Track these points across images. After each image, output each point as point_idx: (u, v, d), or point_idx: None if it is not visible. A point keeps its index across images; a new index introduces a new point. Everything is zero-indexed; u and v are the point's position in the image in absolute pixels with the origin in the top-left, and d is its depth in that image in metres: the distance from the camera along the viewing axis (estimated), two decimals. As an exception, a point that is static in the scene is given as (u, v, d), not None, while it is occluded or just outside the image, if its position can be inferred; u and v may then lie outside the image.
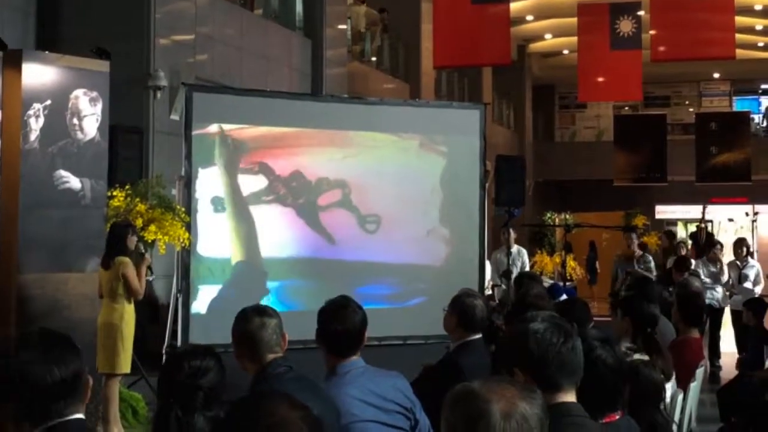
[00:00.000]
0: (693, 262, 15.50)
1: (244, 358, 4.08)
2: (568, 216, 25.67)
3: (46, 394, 2.81)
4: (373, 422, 4.29)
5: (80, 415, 2.89)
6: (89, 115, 8.89)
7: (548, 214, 26.85)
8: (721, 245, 14.90)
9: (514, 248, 14.39)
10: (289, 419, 1.99)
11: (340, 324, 4.32)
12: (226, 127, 10.73)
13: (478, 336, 5.68)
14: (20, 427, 2.85)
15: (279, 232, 10.91)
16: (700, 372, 6.73)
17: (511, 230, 13.94)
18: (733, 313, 13.65)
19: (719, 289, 13.63)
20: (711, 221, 28.25)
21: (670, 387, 5.78)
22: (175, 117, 11.01)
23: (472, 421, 2.18)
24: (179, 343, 9.96)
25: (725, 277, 13.72)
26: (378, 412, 4.32)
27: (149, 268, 9.20)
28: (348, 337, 4.34)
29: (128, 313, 8.77)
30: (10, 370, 2.82)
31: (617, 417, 3.33)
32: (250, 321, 4.08)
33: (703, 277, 13.66)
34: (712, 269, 13.82)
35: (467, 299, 5.65)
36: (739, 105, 33.38)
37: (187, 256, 10.17)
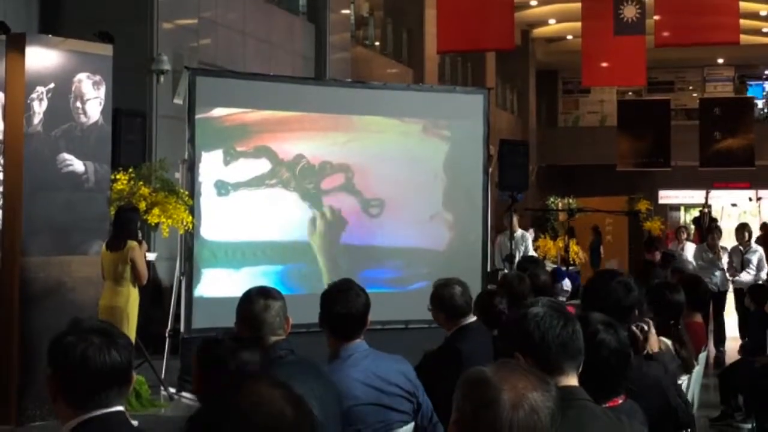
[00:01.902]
0: (692, 246, 15.56)
1: None
2: (571, 200, 25.64)
3: (102, 379, 2.80)
4: (376, 405, 4.30)
5: (121, 408, 2.89)
6: (92, 99, 8.90)
7: (551, 199, 26.83)
8: (720, 231, 14.94)
9: (518, 232, 14.41)
10: (270, 397, 1.99)
11: (343, 307, 4.33)
12: (230, 111, 10.72)
13: (473, 319, 5.70)
14: (63, 409, 2.86)
15: (282, 216, 10.92)
16: (702, 356, 6.74)
17: (514, 215, 13.96)
18: (736, 293, 13.67)
19: (717, 273, 13.66)
20: (710, 206, 28.31)
21: (688, 377, 5.76)
22: (178, 101, 11.01)
23: (481, 407, 2.17)
24: (182, 326, 9.98)
25: (723, 263, 13.76)
26: (381, 395, 4.33)
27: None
28: (351, 320, 4.35)
29: (133, 296, 8.82)
30: (75, 349, 2.81)
31: (620, 401, 3.34)
32: (254, 302, 4.09)
33: (692, 259, 13.73)
34: (710, 255, 13.86)
35: (442, 291, 5.67)
36: (750, 91, 33.27)
37: (190, 239, 10.18)
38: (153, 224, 9.70)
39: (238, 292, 4.31)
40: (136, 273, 8.77)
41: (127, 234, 8.78)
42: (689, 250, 15.25)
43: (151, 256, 10.45)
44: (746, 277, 13.30)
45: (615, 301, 4.36)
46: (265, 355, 4.02)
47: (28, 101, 8.44)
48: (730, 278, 13.67)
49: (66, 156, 8.71)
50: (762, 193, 29.70)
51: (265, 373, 3.35)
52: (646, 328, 4.51)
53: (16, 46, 8.51)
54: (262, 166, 10.77)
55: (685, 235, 16.31)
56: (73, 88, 8.77)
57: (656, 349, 4.51)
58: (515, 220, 14.10)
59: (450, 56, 25.38)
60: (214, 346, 3.58)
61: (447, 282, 5.77)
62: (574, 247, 17.03)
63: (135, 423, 3.11)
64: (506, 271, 12.83)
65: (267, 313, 4.05)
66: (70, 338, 2.84)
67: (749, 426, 8.72)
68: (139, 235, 9.13)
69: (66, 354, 2.82)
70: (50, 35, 9.43)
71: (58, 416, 2.90)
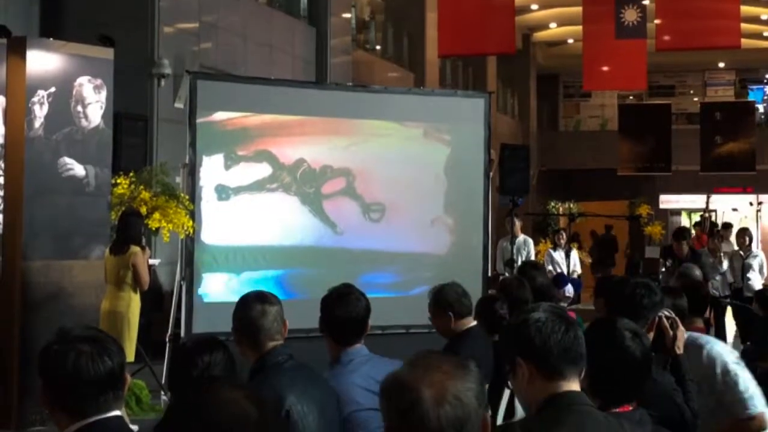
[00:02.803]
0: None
1: (244, 346, 4.06)
2: (572, 205, 25.65)
3: (97, 386, 2.79)
4: (377, 410, 4.28)
5: (119, 412, 2.88)
6: (93, 103, 8.90)
7: (552, 203, 26.84)
8: (721, 236, 14.92)
9: (520, 237, 14.40)
10: (234, 399, 2.03)
11: (343, 311, 4.32)
12: (231, 115, 10.72)
13: (473, 323, 5.71)
14: (60, 416, 2.84)
15: (283, 220, 10.91)
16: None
17: (516, 219, 13.96)
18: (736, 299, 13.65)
19: (718, 277, 13.64)
20: (714, 211, 28.25)
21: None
22: (179, 105, 11.01)
23: (404, 412, 2.18)
24: (183, 331, 9.96)
25: (724, 268, 13.74)
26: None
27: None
28: (351, 325, 4.34)
29: (134, 301, 8.81)
30: (66, 359, 2.79)
31: (630, 408, 3.33)
32: (251, 308, 4.05)
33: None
34: (711, 260, 13.84)
35: (439, 294, 5.75)
36: (751, 95, 33.26)
37: (191, 243, 10.17)
38: (154, 229, 9.69)
39: (239, 296, 4.29)
40: (137, 278, 8.76)
41: (130, 239, 8.78)
42: (690, 254, 15.23)
43: (154, 261, 10.45)
44: (757, 283, 13.28)
45: (636, 301, 4.37)
46: (263, 360, 4.00)
47: (29, 105, 8.43)
48: (738, 286, 13.62)
49: (67, 160, 8.71)
50: (763, 197, 29.67)
51: (226, 378, 3.39)
52: (677, 321, 4.49)
53: (18, 49, 8.51)
54: (263, 170, 10.77)
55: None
56: (74, 92, 8.76)
57: (682, 351, 4.49)
58: (518, 225, 14.12)
59: (451, 60, 25.39)
60: (179, 350, 3.62)
61: (443, 285, 5.82)
62: (578, 253, 16.98)
63: (135, 428, 3.10)
64: (507, 275, 12.83)
65: (264, 319, 4.02)
66: (59, 348, 2.82)
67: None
68: (143, 240, 9.12)
69: (57, 365, 2.80)
70: (51, 39, 9.41)
71: (55, 424, 2.88)
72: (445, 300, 5.72)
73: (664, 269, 15.34)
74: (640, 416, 3.35)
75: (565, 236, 15.92)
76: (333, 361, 4.35)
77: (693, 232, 17.25)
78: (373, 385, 4.27)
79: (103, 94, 8.96)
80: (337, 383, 4.17)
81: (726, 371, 4.77)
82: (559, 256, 15.41)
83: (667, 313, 4.49)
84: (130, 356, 8.51)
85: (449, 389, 2.16)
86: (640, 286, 4.45)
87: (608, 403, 3.10)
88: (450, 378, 2.18)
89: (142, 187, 9.81)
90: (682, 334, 4.51)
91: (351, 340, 4.35)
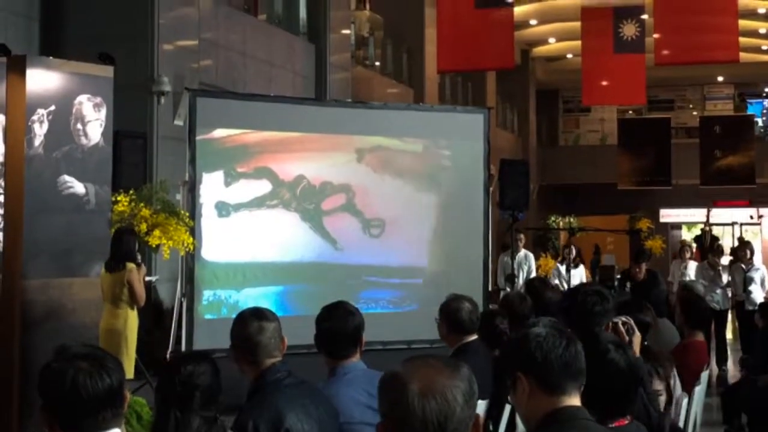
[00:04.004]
0: (695, 264, 15.55)
1: (242, 362, 4.05)
2: (572, 219, 25.63)
3: (95, 403, 2.78)
4: (369, 425, 4.27)
5: (119, 430, 2.87)
6: (93, 121, 8.90)
7: (552, 218, 26.81)
8: (721, 249, 14.94)
9: (521, 252, 14.41)
10: None
11: (333, 324, 4.35)
12: (230, 132, 10.74)
13: (474, 338, 5.72)
14: None
15: (283, 237, 10.91)
16: (704, 376, 6.71)
17: (522, 235, 13.96)
18: (739, 311, 13.63)
19: (718, 291, 13.63)
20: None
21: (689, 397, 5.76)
22: (179, 122, 11.01)
23: (393, 403, 2.27)
24: (184, 348, 9.95)
25: (724, 281, 13.73)
26: (376, 414, 4.30)
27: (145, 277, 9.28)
28: (342, 337, 4.35)
29: (131, 318, 8.81)
30: (65, 377, 2.79)
31: (626, 422, 3.33)
32: (248, 325, 4.05)
33: (694, 278, 13.76)
34: (711, 273, 13.84)
35: (452, 303, 5.74)
36: (750, 109, 33.30)
37: (191, 260, 10.17)
38: (154, 246, 9.69)
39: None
40: (132, 295, 8.78)
41: (124, 256, 8.79)
42: (692, 268, 15.23)
43: (151, 278, 10.45)
44: (759, 296, 13.26)
45: (587, 308, 4.43)
46: (262, 377, 3.99)
47: (29, 123, 8.43)
48: (740, 299, 13.61)
49: (67, 178, 8.70)
50: (763, 210, 29.68)
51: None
52: (632, 325, 4.52)
53: (17, 68, 8.51)
54: (263, 186, 10.77)
55: (688, 254, 16.28)
56: (73, 110, 8.76)
57: (638, 354, 4.51)
58: (522, 240, 14.15)
59: (450, 76, 25.43)
60: (166, 363, 3.69)
61: (459, 296, 5.84)
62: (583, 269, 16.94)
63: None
64: (508, 290, 12.83)
65: (262, 336, 4.01)
66: (58, 366, 2.82)
67: (753, 445, 8.67)
68: (138, 257, 9.13)
69: (56, 383, 2.79)
70: (51, 57, 9.42)
71: None
72: (446, 310, 5.76)
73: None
74: (637, 428, 3.35)
75: (574, 251, 15.78)
76: (329, 373, 4.36)
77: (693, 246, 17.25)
78: (368, 399, 4.24)
79: (103, 112, 8.96)
80: (331, 394, 4.16)
81: None
82: (566, 271, 15.37)
83: (624, 319, 4.53)
84: (129, 373, 8.50)
85: (436, 384, 2.24)
86: (591, 294, 4.53)
87: (603, 418, 3.10)
88: (438, 374, 2.27)
89: (142, 204, 9.82)
90: (638, 339, 4.55)
91: (344, 353, 4.36)
